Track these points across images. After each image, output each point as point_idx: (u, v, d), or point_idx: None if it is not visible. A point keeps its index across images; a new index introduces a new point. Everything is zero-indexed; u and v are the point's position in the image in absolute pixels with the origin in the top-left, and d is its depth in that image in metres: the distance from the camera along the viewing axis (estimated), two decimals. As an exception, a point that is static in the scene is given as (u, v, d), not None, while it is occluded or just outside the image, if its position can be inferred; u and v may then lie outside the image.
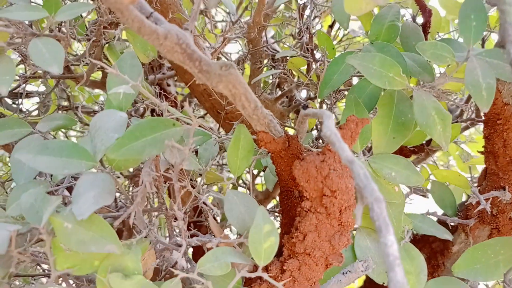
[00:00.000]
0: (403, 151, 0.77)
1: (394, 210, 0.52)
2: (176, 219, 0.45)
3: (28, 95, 1.04)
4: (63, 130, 1.12)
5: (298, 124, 0.50)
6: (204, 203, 0.47)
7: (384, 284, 0.54)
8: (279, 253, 0.47)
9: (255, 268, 0.52)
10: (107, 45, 0.72)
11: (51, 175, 0.58)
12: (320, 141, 0.81)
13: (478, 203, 0.57)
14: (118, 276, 0.40)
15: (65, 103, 1.06)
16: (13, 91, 0.89)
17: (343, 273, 0.51)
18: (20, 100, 0.86)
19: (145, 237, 0.46)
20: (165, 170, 0.50)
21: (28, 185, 0.49)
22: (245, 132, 0.49)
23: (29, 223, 0.44)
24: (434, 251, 0.67)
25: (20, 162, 0.56)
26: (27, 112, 0.95)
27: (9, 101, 0.95)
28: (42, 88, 1.09)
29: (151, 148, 0.43)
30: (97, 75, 1.04)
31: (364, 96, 0.51)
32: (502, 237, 0.51)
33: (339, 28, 1.03)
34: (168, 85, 1.07)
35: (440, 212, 0.65)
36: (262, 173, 0.98)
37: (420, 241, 0.67)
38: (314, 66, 0.72)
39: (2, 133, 0.60)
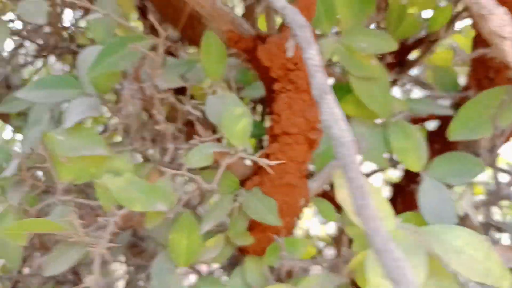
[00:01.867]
0: (403, 47, 0.75)
1: (377, 88, 0.51)
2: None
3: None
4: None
5: (266, 19, 0.51)
6: (189, 111, 0.50)
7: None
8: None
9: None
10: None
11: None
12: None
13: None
14: (110, 175, 0.44)
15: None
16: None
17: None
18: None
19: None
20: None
21: (34, 124, 0.54)
22: (214, 37, 0.51)
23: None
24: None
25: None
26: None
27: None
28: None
29: (124, 60, 0.47)
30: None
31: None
32: (488, 91, 0.49)
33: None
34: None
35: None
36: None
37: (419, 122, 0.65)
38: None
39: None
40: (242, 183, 0.52)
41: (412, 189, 0.55)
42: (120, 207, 0.42)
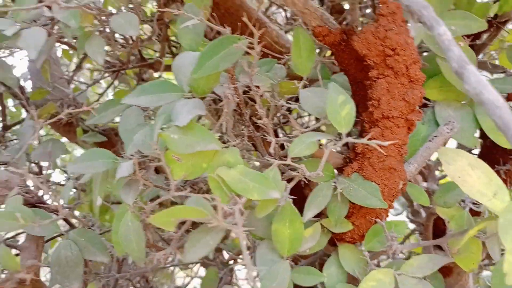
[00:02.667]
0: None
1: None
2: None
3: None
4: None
5: (350, 12, 0.53)
6: (283, 104, 0.52)
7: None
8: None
9: (344, 160, 0.56)
10: (169, 22, 0.81)
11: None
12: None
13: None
14: (223, 168, 0.46)
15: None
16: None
17: (430, 140, 0.53)
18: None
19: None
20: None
21: (135, 129, 0.58)
22: (303, 33, 0.54)
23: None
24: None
25: (126, 134, 0.65)
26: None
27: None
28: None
29: (224, 61, 0.50)
30: (169, 62, 1.16)
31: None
32: None
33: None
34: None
35: None
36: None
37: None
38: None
39: (111, 110, 0.71)
40: (338, 170, 0.54)
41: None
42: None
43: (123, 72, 1.08)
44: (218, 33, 0.82)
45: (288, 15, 1.20)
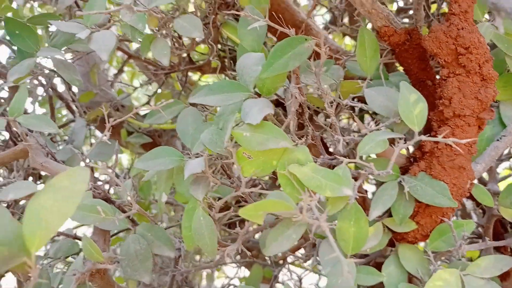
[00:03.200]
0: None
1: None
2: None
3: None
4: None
5: (414, 12, 0.53)
6: (347, 104, 0.53)
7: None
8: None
9: (407, 159, 0.56)
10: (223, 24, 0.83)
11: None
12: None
13: None
14: (295, 165, 0.48)
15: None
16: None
17: (498, 139, 0.53)
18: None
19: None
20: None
21: (201, 128, 0.59)
22: (368, 33, 0.54)
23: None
24: None
25: (184, 131, 0.68)
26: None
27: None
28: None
29: (293, 61, 0.51)
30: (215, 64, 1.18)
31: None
32: None
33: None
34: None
35: None
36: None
37: None
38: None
39: (167, 111, 0.73)
40: (402, 170, 0.54)
41: None
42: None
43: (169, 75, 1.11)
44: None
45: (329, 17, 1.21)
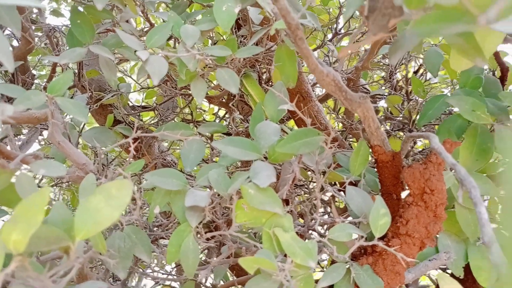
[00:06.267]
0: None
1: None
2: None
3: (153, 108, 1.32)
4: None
5: (402, 144, 0.68)
6: (331, 194, 0.66)
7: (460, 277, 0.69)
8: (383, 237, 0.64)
9: (359, 249, 0.69)
10: (244, 74, 0.95)
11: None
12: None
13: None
14: (280, 229, 0.59)
15: (188, 117, 1.31)
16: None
17: (430, 260, 0.68)
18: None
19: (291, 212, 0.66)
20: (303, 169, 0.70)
21: (210, 167, 0.70)
22: (365, 146, 0.68)
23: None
24: None
25: (187, 154, 0.78)
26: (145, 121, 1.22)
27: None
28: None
29: (304, 147, 0.64)
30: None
31: (454, 127, 0.69)
32: None
33: (421, 74, 1.22)
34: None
35: None
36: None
37: None
38: (407, 103, 0.91)
39: (174, 132, 0.83)
40: (352, 255, 0.68)
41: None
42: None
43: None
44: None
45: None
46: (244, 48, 0.75)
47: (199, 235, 0.63)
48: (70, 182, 1.33)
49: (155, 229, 0.83)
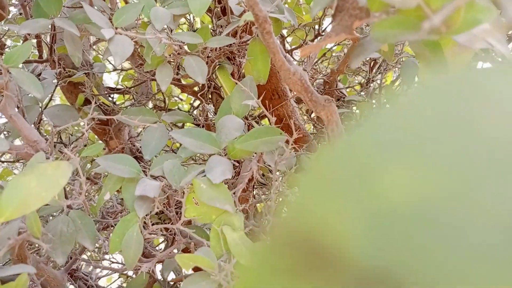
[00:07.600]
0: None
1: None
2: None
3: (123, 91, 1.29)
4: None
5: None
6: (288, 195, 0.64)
7: None
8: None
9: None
10: (218, 65, 0.92)
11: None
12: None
13: None
14: (229, 228, 0.57)
15: (162, 104, 1.28)
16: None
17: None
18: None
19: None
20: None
21: (166, 156, 0.67)
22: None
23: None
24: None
25: (148, 141, 0.75)
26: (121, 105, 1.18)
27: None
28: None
29: (263, 146, 0.62)
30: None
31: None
32: None
33: (399, 84, 1.21)
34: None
35: None
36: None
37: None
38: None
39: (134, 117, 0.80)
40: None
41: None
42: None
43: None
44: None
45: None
46: (216, 38, 0.73)
47: (145, 227, 0.60)
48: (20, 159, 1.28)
49: (107, 216, 0.80)
